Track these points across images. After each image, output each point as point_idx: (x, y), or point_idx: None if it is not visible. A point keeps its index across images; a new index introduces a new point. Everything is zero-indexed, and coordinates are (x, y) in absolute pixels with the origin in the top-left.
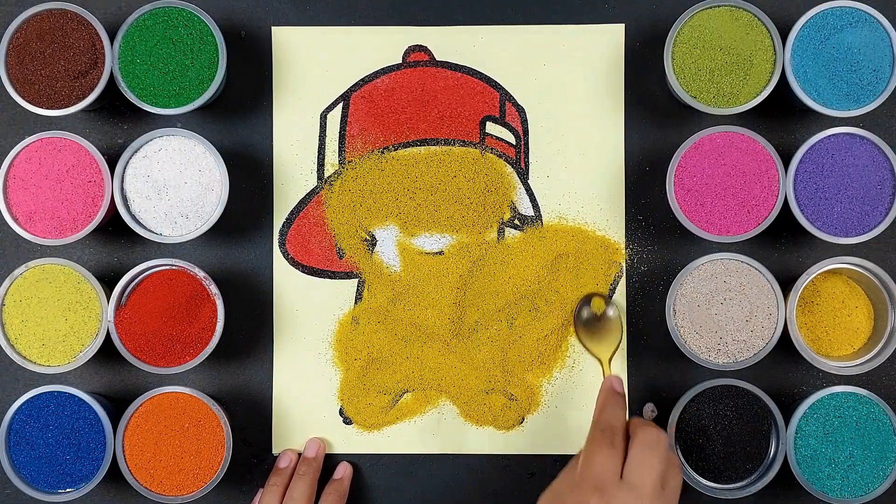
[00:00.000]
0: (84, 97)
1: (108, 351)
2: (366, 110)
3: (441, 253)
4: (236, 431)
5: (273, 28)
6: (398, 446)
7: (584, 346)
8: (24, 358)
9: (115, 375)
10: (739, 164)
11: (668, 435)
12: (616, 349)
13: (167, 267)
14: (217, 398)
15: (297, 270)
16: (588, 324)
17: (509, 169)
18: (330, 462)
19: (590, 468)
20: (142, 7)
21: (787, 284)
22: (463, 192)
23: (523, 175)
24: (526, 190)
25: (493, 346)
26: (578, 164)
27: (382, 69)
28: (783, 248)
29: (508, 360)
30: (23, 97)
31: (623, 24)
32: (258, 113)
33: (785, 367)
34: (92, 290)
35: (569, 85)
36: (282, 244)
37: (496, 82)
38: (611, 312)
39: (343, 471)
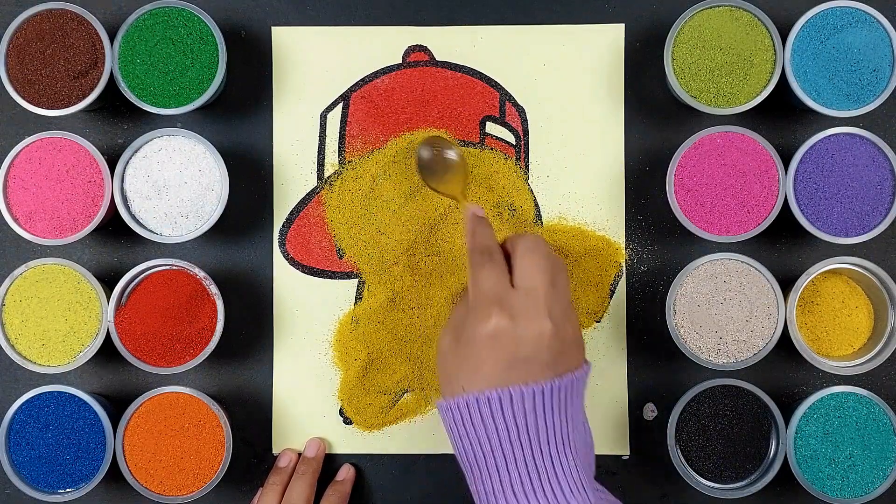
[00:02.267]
0: (84, 97)
1: (108, 351)
2: (366, 110)
3: (440, 254)
4: (236, 431)
5: (273, 28)
6: (398, 446)
7: (432, 188)
8: (24, 358)
9: (115, 375)
10: (739, 164)
11: (669, 435)
12: (466, 183)
13: (167, 267)
14: (217, 398)
15: (297, 270)
16: (430, 167)
17: (510, 168)
18: (330, 462)
19: (479, 288)
20: (142, 7)
21: (787, 284)
22: (464, 192)
23: (523, 174)
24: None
25: None
26: (578, 164)
27: (382, 69)
28: (783, 248)
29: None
30: (23, 97)
31: (623, 24)
32: (258, 113)
33: (785, 367)
34: (92, 290)
35: (569, 85)
36: (282, 244)
37: (496, 82)
38: (451, 154)
39: (345, 473)
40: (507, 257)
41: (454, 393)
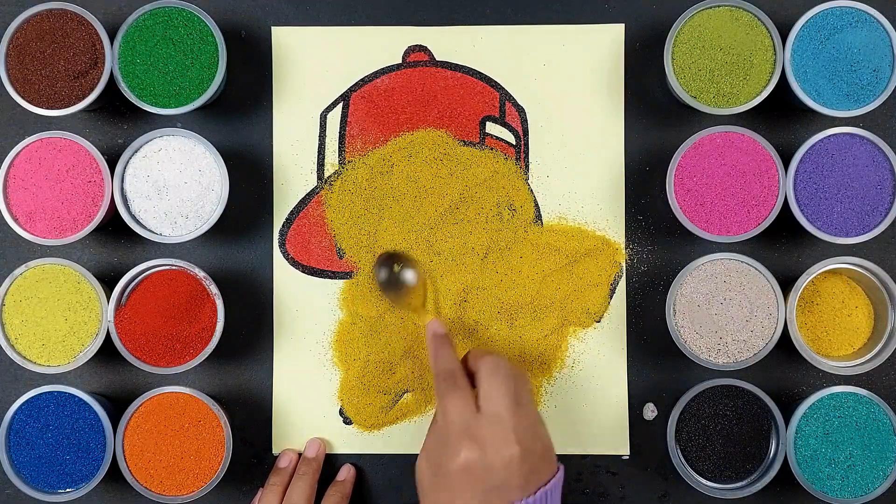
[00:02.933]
0: (84, 97)
1: (108, 351)
2: (366, 110)
3: (440, 254)
4: (236, 431)
5: (273, 28)
6: (398, 446)
7: (392, 302)
8: (24, 358)
9: (115, 375)
10: (739, 164)
11: (669, 435)
12: (425, 295)
13: (167, 267)
14: (217, 398)
15: (297, 270)
16: (389, 285)
17: (510, 168)
18: (330, 462)
19: (447, 418)
20: (142, 7)
21: (787, 284)
22: (464, 192)
23: (523, 174)
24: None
25: (493, 346)
26: (578, 164)
27: (382, 69)
28: (783, 248)
29: (508, 360)
30: (23, 97)
31: (623, 24)
32: (258, 113)
33: (785, 367)
34: (92, 290)
35: (569, 85)
36: (282, 244)
37: (496, 82)
38: (408, 275)
39: (346, 473)
40: (471, 374)
41: None
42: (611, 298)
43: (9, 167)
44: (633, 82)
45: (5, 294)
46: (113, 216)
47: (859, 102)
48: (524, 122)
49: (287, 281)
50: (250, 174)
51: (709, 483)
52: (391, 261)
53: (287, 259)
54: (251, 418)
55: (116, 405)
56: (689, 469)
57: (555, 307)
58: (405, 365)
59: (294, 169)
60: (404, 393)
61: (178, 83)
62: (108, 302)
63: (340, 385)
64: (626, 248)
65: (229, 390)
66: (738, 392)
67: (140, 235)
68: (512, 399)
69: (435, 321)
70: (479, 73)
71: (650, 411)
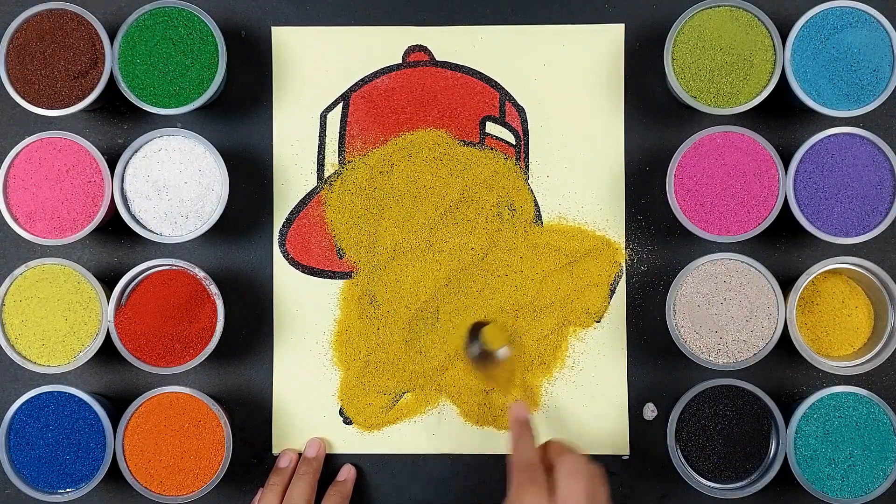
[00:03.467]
0: (84, 97)
1: (108, 351)
2: (366, 110)
3: (440, 254)
4: (236, 431)
5: (273, 28)
6: (398, 446)
7: (480, 374)
8: (24, 358)
9: (115, 375)
10: (739, 164)
11: (669, 435)
12: (513, 370)
13: (167, 267)
14: (217, 398)
15: (297, 270)
16: (481, 358)
17: (510, 168)
18: (330, 462)
19: None
20: (142, 7)
21: (787, 284)
22: (464, 192)
23: (523, 174)
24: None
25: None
26: (578, 164)
27: (382, 69)
28: (783, 248)
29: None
30: (23, 97)
31: (623, 24)
32: (258, 113)
33: (785, 367)
34: (92, 290)
35: (569, 85)
36: (282, 244)
37: (496, 82)
38: (502, 352)
39: (347, 473)
40: (547, 465)
41: None
42: (611, 298)
43: (9, 167)
44: (633, 82)
45: (5, 294)
46: (113, 216)
47: (859, 102)
48: (524, 122)
49: (287, 281)
50: (250, 174)
51: (709, 483)
52: (485, 340)
53: (287, 259)
54: (251, 418)
55: (116, 405)
56: (689, 469)
57: (555, 307)
58: (405, 365)
59: (294, 169)
60: (404, 393)
61: (178, 83)
62: (108, 302)
63: (340, 385)
64: (626, 248)
65: (229, 390)
66: (738, 392)
67: (140, 235)
68: (587, 500)
69: (520, 405)
70: (479, 73)
71: (650, 411)
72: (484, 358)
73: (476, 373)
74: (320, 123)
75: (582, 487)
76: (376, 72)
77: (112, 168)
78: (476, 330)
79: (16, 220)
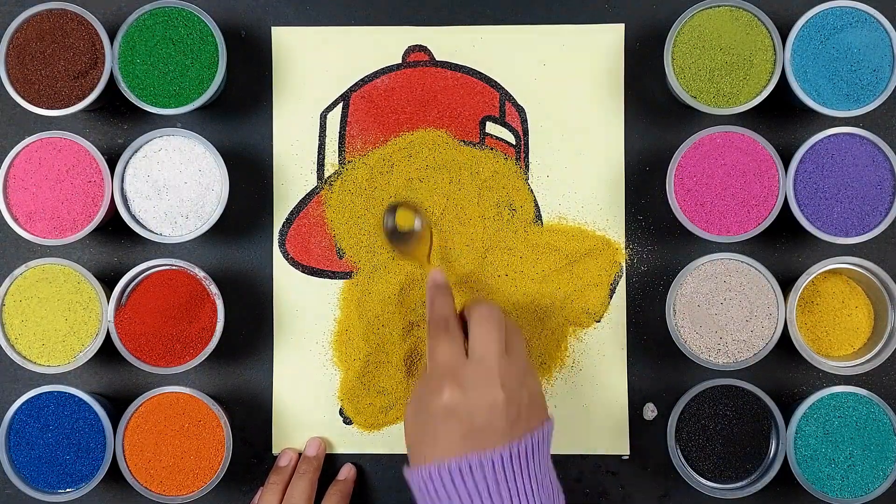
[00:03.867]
0: (84, 97)
1: (108, 351)
2: (366, 110)
3: (441, 252)
4: (236, 431)
5: (273, 28)
6: (398, 446)
7: (398, 252)
8: (24, 358)
9: (115, 375)
10: (739, 164)
11: (669, 435)
12: (430, 247)
13: (167, 267)
14: (217, 398)
15: (297, 270)
16: (395, 235)
17: (510, 168)
18: (330, 462)
19: (435, 360)
20: (142, 7)
21: (787, 284)
22: (464, 192)
23: (523, 174)
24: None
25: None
26: (578, 164)
27: (382, 69)
28: (783, 248)
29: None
30: (23, 97)
31: (623, 24)
32: (258, 113)
33: (785, 367)
34: (92, 290)
35: (569, 85)
36: (282, 244)
37: (496, 82)
38: (418, 225)
39: (347, 472)
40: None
41: (417, 463)
42: (611, 298)
43: (9, 167)
44: (633, 82)
45: (5, 294)
46: (113, 216)
47: (859, 102)
48: (524, 122)
49: (287, 281)
50: (250, 174)
51: (709, 483)
52: (398, 207)
53: (287, 259)
54: (251, 418)
55: (116, 405)
56: (689, 469)
57: (555, 307)
58: (405, 364)
59: (294, 169)
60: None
61: (178, 83)
62: (108, 302)
63: (340, 385)
64: (626, 248)
65: (229, 390)
66: (738, 392)
67: (140, 235)
68: (499, 345)
69: (437, 271)
70: (479, 73)
71: (650, 411)
72: (398, 236)
73: (395, 251)
74: (320, 123)
75: (493, 333)
76: (376, 72)
77: (112, 168)
78: (390, 209)
79: (16, 220)
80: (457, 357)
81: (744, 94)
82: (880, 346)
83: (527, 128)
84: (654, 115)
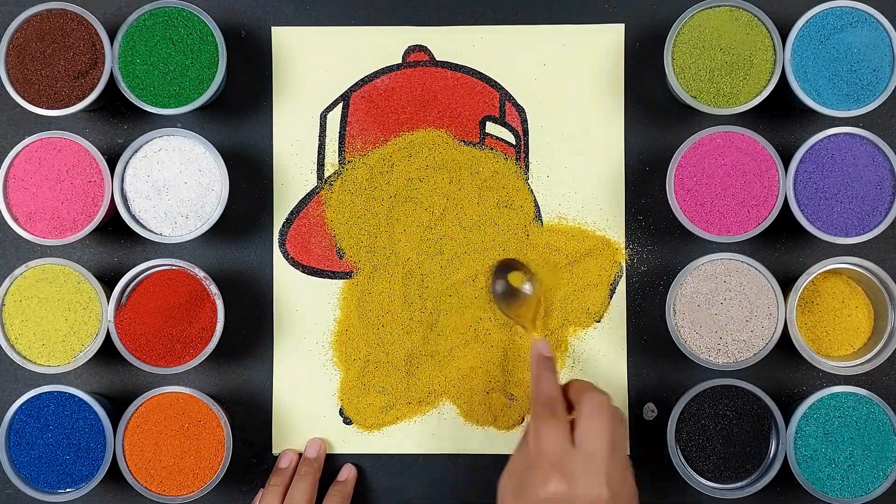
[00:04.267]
0: (84, 97)
1: (108, 351)
2: (366, 110)
3: (440, 253)
4: (236, 431)
5: (273, 28)
6: (398, 446)
7: (504, 313)
8: (24, 358)
9: (115, 375)
10: (739, 164)
11: (669, 435)
12: (538, 310)
13: (167, 267)
14: (217, 398)
15: (297, 270)
16: (505, 296)
17: (510, 168)
18: (330, 462)
19: (541, 445)
20: (142, 7)
21: (787, 284)
22: (464, 192)
23: (523, 174)
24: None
25: (493, 346)
26: (578, 164)
27: (382, 69)
28: (783, 248)
29: (508, 360)
30: (23, 97)
31: (623, 24)
32: (258, 113)
33: (785, 367)
34: (92, 290)
35: (569, 85)
36: (282, 244)
37: (496, 82)
38: (527, 289)
39: (347, 473)
40: (570, 404)
41: None
42: (611, 298)
43: (9, 167)
44: (633, 82)
45: (5, 294)
46: (113, 216)
47: (859, 102)
48: (524, 122)
49: (287, 281)
50: (250, 174)
51: (709, 483)
52: (510, 269)
53: (287, 259)
54: (251, 418)
55: (116, 405)
56: (689, 469)
57: (555, 307)
58: (406, 364)
59: (294, 169)
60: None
61: (178, 83)
62: (108, 302)
63: (340, 385)
64: (626, 248)
65: (229, 390)
66: (738, 392)
67: (140, 235)
68: (609, 441)
69: (542, 342)
70: (479, 73)
71: (650, 411)
72: (508, 296)
73: (500, 310)
74: (320, 123)
75: (605, 427)
76: (376, 72)
77: (112, 168)
78: (502, 268)
79: (16, 220)
80: (565, 446)
81: (744, 94)
82: (880, 346)
83: (527, 128)
84: (654, 115)
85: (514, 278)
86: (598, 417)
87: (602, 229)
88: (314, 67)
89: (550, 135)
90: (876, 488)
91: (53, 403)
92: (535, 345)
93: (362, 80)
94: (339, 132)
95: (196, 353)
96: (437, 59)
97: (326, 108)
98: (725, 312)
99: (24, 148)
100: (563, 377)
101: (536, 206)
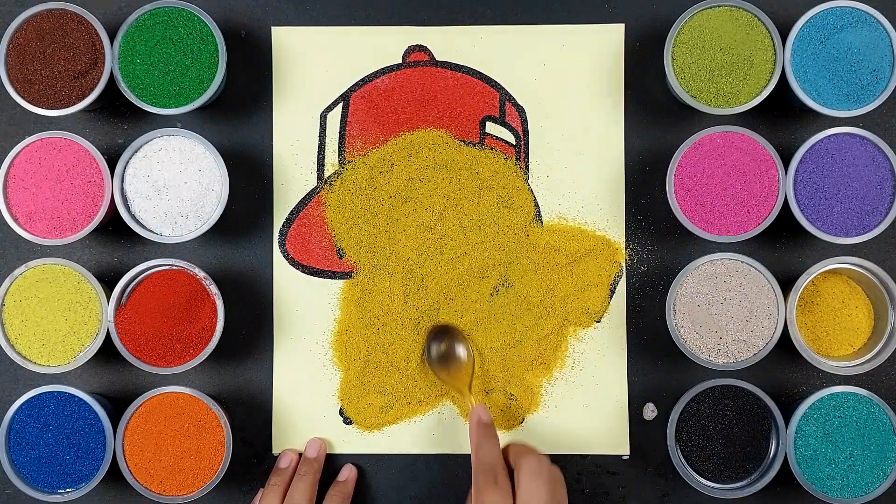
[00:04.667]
0: (84, 97)
1: (108, 351)
2: (366, 110)
3: (440, 254)
4: (236, 431)
5: (273, 28)
6: (398, 446)
7: (440, 378)
8: (24, 358)
9: (115, 375)
10: (739, 164)
11: (669, 435)
12: (472, 375)
13: (167, 267)
14: (217, 398)
15: (297, 270)
16: (440, 361)
17: (510, 168)
18: (330, 462)
19: None
20: (142, 7)
21: (787, 284)
22: (464, 192)
23: (523, 174)
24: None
25: (493, 346)
26: (578, 164)
27: (382, 69)
28: (783, 248)
29: (508, 360)
30: (23, 97)
31: (623, 24)
32: (258, 113)
33: (785, 367)
34: (92, 290)
35: (569, 85)
36: (282, 244)
37: (496, 82)
38: (461, 353)
39: (347, 473)
40: (510, 466)
41: None
42: (611, 298)
43: (9, 167)
44: (633, 82)
45: (5, 294)
46: (113, 216)
47: (859, 102)
48: (524, 122)
49: (287, 281)
50: (250, 174)
51: (709, 483)
52: (443, 335)
53: (287, 259)
54: (251, 418)
55: (116, 405)
56: (689, 469)
57: (555, 307)
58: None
59: (294, 169)
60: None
61: (178, 83)
62: (108, 302)
63: (340, 385)
64: (626, 248)
65: (229, 390)
66: (738, 392)
67: (140, 235)
68: (548, 501)
69: (482, 408)
70: (479, 73)
71: (650, 411)
72: (442, 361)
73: (436, 376)
74: (320, 123)
75: (543, 489)
76: (376, 72)
77: (112, 168)
78: (436, 333)
79: (16, 220)
80: None
81: (744, 94)
82: (880, 346)
83: (527, 128)
84: (654, 115)
85: (448, 344)
86: (537, 481)
87: (602, 229)
88: (314, 67)
89: (550, 135)
90: (876, 488)
91: (53, 403)
92: (473, 411)
93: (362, 80)
94: (339, 132)
95: (196, 353)
96: (437, 59)
97: (326, 108)
98: (725, 312)
99: (24, 148)
100: (563, 377)
101: (536, 206)
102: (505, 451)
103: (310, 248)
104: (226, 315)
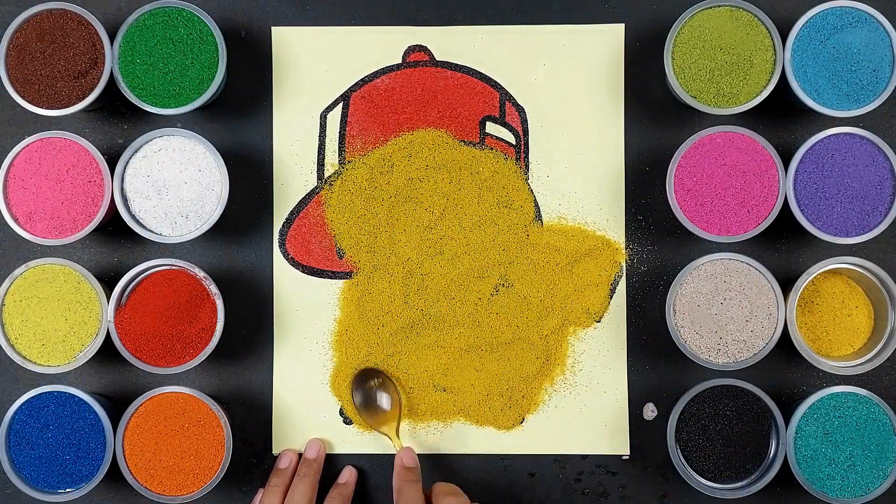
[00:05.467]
0: (84, 97)
1: (108, 351)
2: (366, 110)
3: (440, 254)
4: (236, 431)
5: (273, 28)
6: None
7: (367, 423)
8: (24, 358)
9: (115, 375)
10: (739, 164)
11: (669, 435)
12: (399, 419)
13: (167, 267)
14: (217, 398)
15: (297, 270)
16: (366, 406)
17: (510, 168)
18: (330, 462)
19: None
20: (142, 7)
21: (787, 284)
22: (464, 192)
23: (523, 174)
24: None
25: (493, 346)
26: (578, 164)
27: (382, 69)
28: (783, 248)
29: (508, 360)
30: (23, 97)
31: (623, 24)
32: (258, 113)
33: (785, 367)
34: (92, 290)
35: (569, 85)
36: (282, 244)
37: (496, 82)
38: (385, 399)
39: (348, 475)
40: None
41: None
42: (611, 298)
43: (9, 167)
44: (633, 82)
45: (5, 294)
46: (113, 216)
47: (859, 102)
48: (524, 122)
49: (287, 281)
50: (250, 174)
51: (709, 483)
52: (368, 378)
53: (287, 259)
54: (251, 418)
55: (116, 405)
56: (689, 469)
57: (555, 307)
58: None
59: (294, 169)
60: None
61: (178, 83)
62: (108, 302)
63: (340, 385)
64: (626, 248)
65: (229, 390)
66: (738, 392)
67: (140, 235)
68: None
69: (406, 452)
70: (479, 73)
71: (650, 411)
72: (368, 406)
73: (363, 420)
74: (320, 123)
75: None
76: (376, 72)
77: (112, 168)
78: (361, 378)
79: (16, 220)
80: None
81: (744, 94)
82: (880, 346)
83: (527, 128)
84: (654, 115)
85: (372, 389)
86: None
87: (602, 229)
88: (314, 67)
89: (550, 135)
90: (876, 488)
91: (53, 403)
92: (398, 456)
93: (362, 80)
94: (339, 132)
95: (196, 353)
96: (437, 59)
97: (326, 108)
98: (725, 312)
99: (24, 148)
100: (563, 377)
101: (536, 206)
102: (429, 494)
103: (310, 248)
104: (226, 315)
